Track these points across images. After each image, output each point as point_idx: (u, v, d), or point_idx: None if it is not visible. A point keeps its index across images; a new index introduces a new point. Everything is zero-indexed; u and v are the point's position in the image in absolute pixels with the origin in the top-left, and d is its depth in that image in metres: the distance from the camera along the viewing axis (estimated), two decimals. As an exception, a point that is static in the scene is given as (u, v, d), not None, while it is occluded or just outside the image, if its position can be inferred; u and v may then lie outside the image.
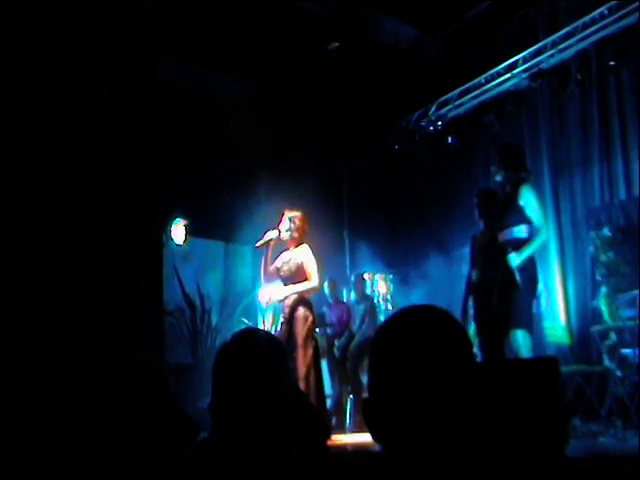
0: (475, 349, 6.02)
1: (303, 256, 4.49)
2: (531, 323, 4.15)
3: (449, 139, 6.99)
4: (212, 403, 1.46)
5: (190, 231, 7.14)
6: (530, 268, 4.13)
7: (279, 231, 4.50)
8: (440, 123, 7.11)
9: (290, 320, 4.44)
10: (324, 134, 7.12)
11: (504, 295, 4.09)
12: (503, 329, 4.08)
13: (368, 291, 7.71)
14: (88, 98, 4.84)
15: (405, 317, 0.97)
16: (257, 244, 4.52)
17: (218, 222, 7.13)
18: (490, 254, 4.27)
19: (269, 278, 4.62)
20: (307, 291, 4.50)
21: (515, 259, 4.04)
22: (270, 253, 4.54)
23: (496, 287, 4.13)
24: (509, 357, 4.05)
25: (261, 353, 1.46)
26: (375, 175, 7.81)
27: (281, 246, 4.67)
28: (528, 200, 4.19)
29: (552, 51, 5.88)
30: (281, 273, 4.55)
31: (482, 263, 4.54)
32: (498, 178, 4.34)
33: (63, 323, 4.54)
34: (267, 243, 4.52)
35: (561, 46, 5.78)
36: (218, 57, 5.98)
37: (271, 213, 5.63)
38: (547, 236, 4.31)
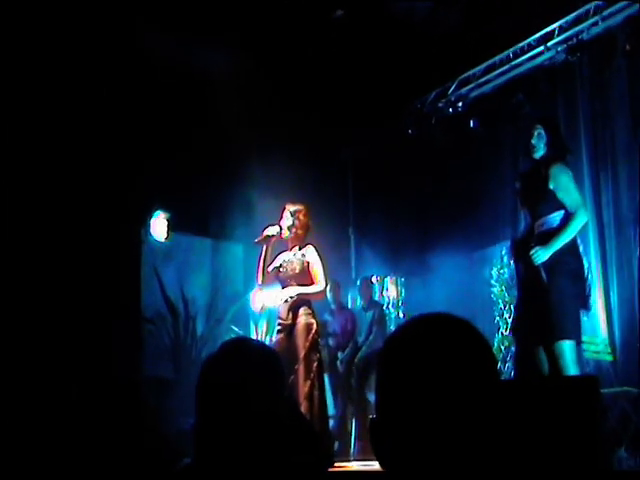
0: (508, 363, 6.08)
1: (310, 256, 4.54)
2: (577, 331, 3.94)
3: (471, 123, 7.00)
4: (196, 424, 1.46)
5: (172, 226, 7.18)
6: (572, 262, 3.95)
7: (280, 227, 4.54)
8: (460, 104, 7.12)
9: (290, 329, 4.47)
10: (325, 117, 7.13)
11: (533, 299, 3.98)
12: (537, 340, 3.98)
13: (376, 296, 7.81)
14: (58, 80, 4.91)
15: (419, 326, 0.97)
16: (256, 240, 4.55)
17: (205, 215, 7.20)
18: (527, 250, 4.08)
19: (266, 281, 4.65)
20: (313, 295, 4.54)
21: (541, 254, 3.89)
22: (269, 252, 4.58)
23: (534, 290, 4.00)
24: (546, 374, 3.93)
25: (253, 367, 1.47)
26: (385, 164, 7.84)
27: (279, 247, 4.72)
28: (558, 181, 4.04)
29: (595, 18, 5.71)
30: (282, 274, 4.57)
31: (524, 259, 4.35)
32: (539, 153, 4.13)
33: (25, 330, 4.55)
34: (267, 240, 4.55)
35: (606, 12, 5.61)
36: (201, 25, 5.95)
37: (266, 206, 5.69)
38: (584, 220, 4.05)
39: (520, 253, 4.17)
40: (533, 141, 4.10)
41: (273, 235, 4.54)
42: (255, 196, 7.06)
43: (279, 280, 4.63)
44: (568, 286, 3.91)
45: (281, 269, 4.59)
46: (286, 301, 4.45)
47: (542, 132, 4.09)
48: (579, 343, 4.02)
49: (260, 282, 4.64)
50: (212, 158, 6.92)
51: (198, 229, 7.55)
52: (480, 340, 0.96)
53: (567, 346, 3.82)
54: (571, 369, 3.78)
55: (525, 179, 4.37)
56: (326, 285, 4.66)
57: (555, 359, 3.83)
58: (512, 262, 4.71)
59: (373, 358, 6.53)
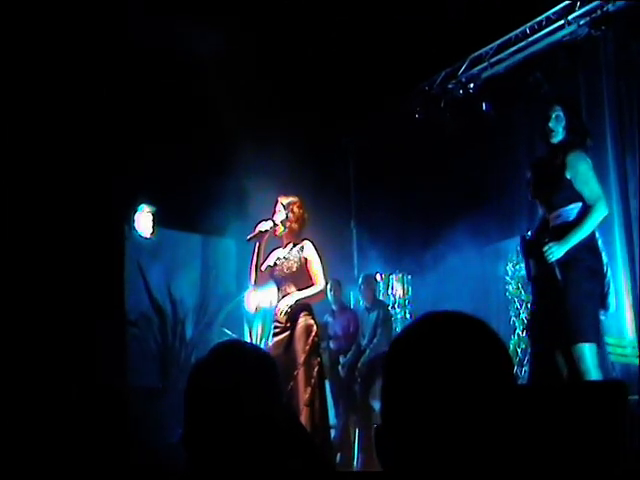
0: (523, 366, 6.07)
1: (307, 253, 4.57)
2: (597, 333, 3.91)
3: (483, 105, 6.97)
4: (185, 434, 1.46)
5: (158, 220, 7.21)
6: (589, 258, 3.90)
7: (274, 222, 4.56)
8: (472, 85, 7.09)
9: (288, 331, 4.49)
10: (325, 101, 7.16)
11: (548, 299, 3.96)
12: (553, 343, 3.96)
13: (380, 295, 7.83)
14: (36, 67, 4.92)
15: (427, 326, 0.97)
16: (248, 237, 4.55)
17: (194, 209, 7.20)
18: (540, 246, 4.05)
19: (260, 280, 4.67)
20: (314, 297, 4.56)
21: (556, 250, 3.86)
22: (263, 249, 4.60)
23: (549, 289, 3.97)
24: (565, 378, 3.91)
25: (247, 371, 1.47)
26: (389, 152, 7.84)
27: (273, 243, 4.76)
28: (576, 170, 3.98)
29: (623, -13, 5.64)
30: (277, 273, 4.60)
31: (536, 255, 4.37)
32: (557, 138, 4.07)
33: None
34: (260, 236, 4.57)
35: (634, -20, 5.55)
36: (190, 4, 6.09)
37: (261, 198, 5.69)
38: (603, 213, 3.97)
39: (531, 249, 4.17)
40: (550, 124, 4.05)
41: (266, 230, 4.55)
42: (249, 188, 7.08)
43: (274, 279, 4.65)
44: (585, 284, 3.87)
45: (276, 267, 4.61)
46: (286, 313, 4.45)
47: (561, 114, 4.05)
48: (600, 345, 3.98)
49: (253, 282, 4.67)
50: (202, 147, 6.98)
51: (186, 224, 7.56)
52: (494, 341, 0.96)
53: (586, 349, 3.79)
54: (592, 374, 3.75)
55: (539, 167, 4.32)
56: (325, 284, 4.70)
57: (574, 363, 3.80)
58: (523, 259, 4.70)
59: (378, 362, 6.54)
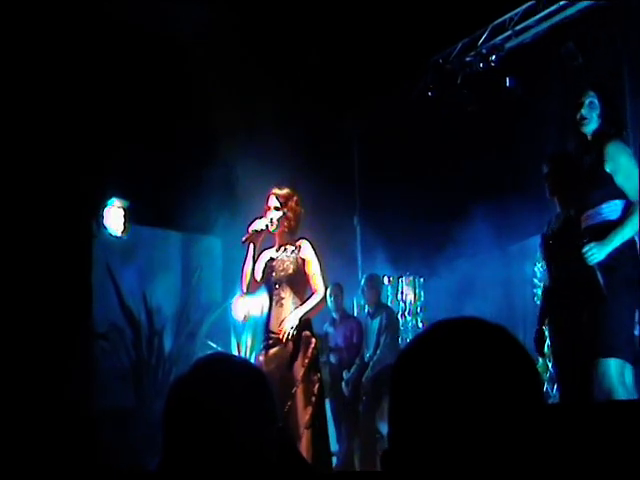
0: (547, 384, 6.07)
1: (305, 253, 4.62)
2: (631, 348, 3.95)
3: (507, 81, 6.96)
4: (163, 463, 1.46)
5: (132, 216, 7.15)
6: (626, 264, 3.93)
7: (271, 220, 4.61)
8: (494, 58, 7.07)
9: (283, 343, 4.51)
10: (323, 80, 7.15)
11: (587, 307, 4.00)
12: (589, 356, 3.96)
13: (389, 301, 7.82)
14: (6, 53, 4.99)
15: (440, 336, 0.97)
16: (243, 239, 4.60)
17: (173, 203, 7.19)
18: (566, 247, 4.16)
19: (254, 287, 4.73)
20: (317, 308, 4.61)
21: (597, 252, 3.89)
22: (258, 250, 4.65)
23: (579, 295, 4.02)
24: (598, 397, 3.92)
25: (235, 391, 1.48)
26: (398, 137, 7.83)
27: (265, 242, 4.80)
28: (617, 162, 3.98)
29: None
30: (273, 277, 4.64)
31: (556, 260, 4.48)
32: (591, 127, 4.10)
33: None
34: (255, 236, 4.61)
35: None
36: None
37: (249, 191, 5.71)
38: None
39: (555, 251, 4.18)
40: (583, 111, 4.08)
41: (262, 230, 4.59)
42: (237, 178, 7.11)
43: (266, 284, 4.69)
44: (621, 294, 3.89)
45: (269, 270, 4.64)
46: (291, 335, 4.46)
47: (595, 101, 4.07)
48: (634, 363, 3.98)
49: (246, 290, 4.73)
50: (183, 133, 7.01)
51: (164, 220, 7.55)
52: (520, 353, 0.96)
53: (612, 364, 3.82)
54: (619, 393, 3.77)
55: (562, 160, 4.38)
56: (325, 289, 4.73)
57: (596, 379, 3.85)
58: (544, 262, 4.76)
59: (384, 377, 6.56)
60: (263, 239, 4.67)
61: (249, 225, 4.62)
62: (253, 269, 4.64)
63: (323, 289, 4.64)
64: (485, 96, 7.15)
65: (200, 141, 7.14)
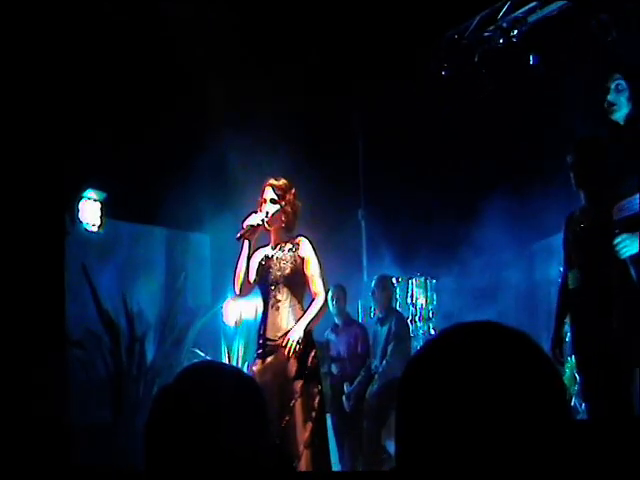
0: (574, 397, 6.09)
1: (304, 252, 4.66)
2: None
3: (530, 59, 6.92)
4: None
5: (110, 209, 7.17)
6: None
7: (267, 214, 4.64)
8: (516, 32, 7.02)
9: (279, 351, 4.54)
10: (323, 64, 7.20)
11: (618, 309, 3.98)
12: (622, 365, 3.97)
13: (397, 305, 7.75)
14: None
15: (454, 343, 0.98)
16: (238, 235, 4.63)
17: (156, 196, 7.20)
18: (596, 244, 4.15)
19: (248, 289, 4.78)
20: (320, 314, 4.65)
21: (630, 245, 3.87)
22: (252, 248, 4.69)
23: (609, 296, 3.98)
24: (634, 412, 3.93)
25: (226, 402, 1.49)
26: (407, 123, 7.84)
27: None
28: None
29: None
30: (270, 278, 4.67)
31: (584, 259, 4.48)
32: (620, 113, 4.07)
33: None
34: (250, 232, 4.64)
35: None
36: None
37: (244, 184, 5.74)
38: None
39: (580, 247, 4.23)
40: (610, 97, 4.09)
41: (258, 225, 4.62)
42: (230, 170, 7.13)
43: (260, 285, 4.73)
44: None
45: (268, 271, 4.67)
46: (296, 350, 4.48)
47: (622, 83, 4.07)
48: None
49: (239, 292, 4.78)
50: (168, 118, 7.00)
51: (146, 214, 7.55)
52: (544, 362, 0.96)
53: None
54: None
55: (590, 148, 4.43)
56: (326, 292, 4.78)
57: (628, 390, 3.87)
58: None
59: (391, 390, 6.57)
60: (258, 236, 4.69)
61: (243, 220, 4.62)
62: (247, 269, 4.67)
63: (324, 292, 4.66)
64: (505, 76, 7.13)
65: (187, 128, 7.16)
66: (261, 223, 4.60)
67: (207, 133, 7.09)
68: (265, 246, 4.77)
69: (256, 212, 4.64)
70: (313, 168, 6.65)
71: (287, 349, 4.47)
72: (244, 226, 4.60)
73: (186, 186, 6.97)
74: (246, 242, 4.63)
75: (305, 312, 4.62)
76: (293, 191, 4.71)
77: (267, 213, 4.61)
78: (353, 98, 8.31)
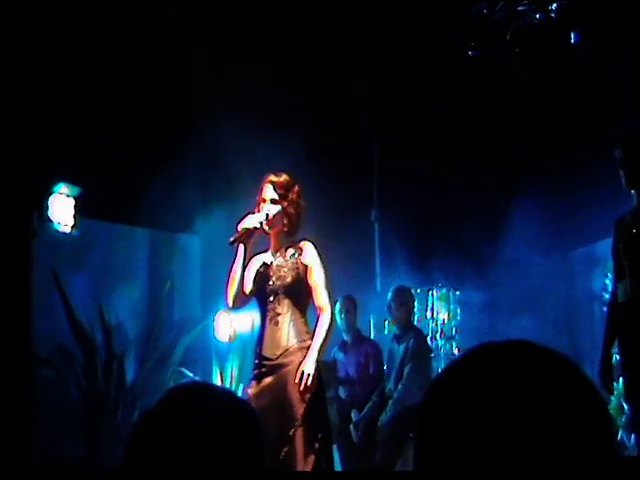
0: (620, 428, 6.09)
1: (308, 258, 4.68)
2: None
3: (571, 36, 6.90)
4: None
5: (84, 208, 7.07)
6: None
7: (266, 215, 4.66)
8: (554, 7, 6.98)
9: (278, 372, 4.56)
10: (333, 42, 7.29)
11: None
12: None
13: (415, 320, 7.62)
14: None
15: (480, 365, 1.00)
16: (231, 239, 4.62)
17: (138, 192, 7.18)
18: None
19: (243, 301, 4.79)
20: (329, 333, 4.64)
21: None
22: (249, 254, 4.70)
23: None
24: None
25: (217, 429, 1.49)
26: (427, 111, 7.90)
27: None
28: None
29: None
30: (269, 287, 4.69)
31: (637, 268, 4.50)
32: None
33: None
34: (246, 236, 4.63)
35: None
36: None
37: (240, 181, 5.84)
38: None
39: (633, 255, 4.28)
40: None
41: (256, 228, 4.61)
42: (223, 164, 7.16)
43: (258, 296, 4.74)
44: None
45: (267, 280, 4.67)
46: (304, 381, 4.47)
47: None
48: None
49: (231, 304, 4.78)
50: (152, 104, 7.00)
51: (127, 213, 7.51)
52: (587, 389, 0.97)
53: None
54: None
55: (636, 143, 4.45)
56: (333, 303, 4.83)
57: None
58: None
59: (407, 419, 6.53)
60: (256, 240, 4.68)
61: (238, 222, 4.60)
62: (242, 278, 4.66)
63: (329, 305, 4.66)
64: (541, 56, 7.13)
65: (174, 115, 7.16)
66: (259, 226, 4.59)
67: (198, 120, 7.12)
68: (264, 252, 4.77)
69: (254, 213, 4.62)
70: (320, 163, 6.74)
71: (302, 386, 4.45)
72: (239, 229, 4.58)
73: (173, 180, 6.96)
74: (241, 247, 4.61)
75: (312, 332, 4.60)
76: (296, 189, 4.70)
77: (267, 215, 4.61)
78: (365, 85, 8.31)
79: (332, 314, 4.69)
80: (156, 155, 7.12)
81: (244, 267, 4.65)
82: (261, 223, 4.59)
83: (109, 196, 7.16)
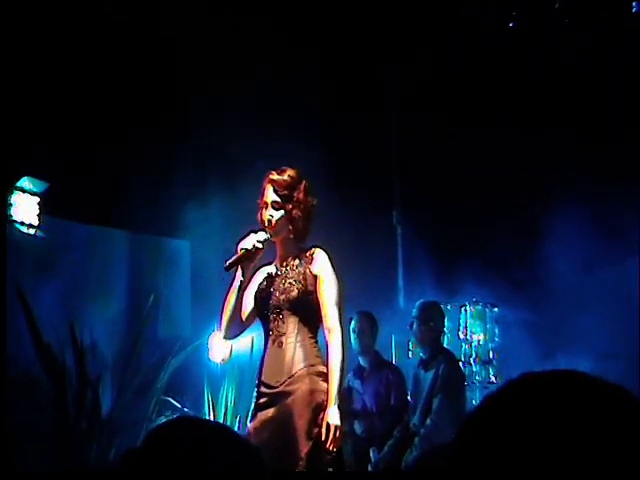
0: None
1: (319, 267, 4.67)
2: None
3: (633, 5, 6.87)
4: None
5: (51, 205, 7.05)
6: None
7: (270, 234, 4.67)
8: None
9: (282, 401, 4.55)
10: (349, 22, 7.51)
11: None
12: None
13: (445, 341, 7.66)
14: None
15: (525, 399, 1.04)
16: (227, 263, 4.63)
17: (116, 188, 7.25)
18: None
19: (236, 328, 4.81)
20: (344, 358, 4.63)
21: None
22: (248, 279, 4.72)
23: None
24: None
25: (211, 474, 1.53)
26: (457, 99, 8.01)
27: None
28: None
29: None
30: (272, 303, 4.70)
31: None
32: None
33: None
34: (247, 259, 4.64)
35: None
36: None
37: (239, 177, 5.98)
38: None
39: None
40: None
41: (258, 249, 4.61)
42: (220, 158, 7.26)
43: (261, 313, 4.74)
44: None
45: (269, 295, 4.68)
46: (330, 437, 4.47)
47: None
48: None
49: (225, 332, 4.81)
50: (134, 88, 7.08)
51: (103, 212, 7.50)
52: None
53: None
54: None
55: None
56: (343, 322, 4.74)
57: None
58: None
59: (439, 460, 6.31)
60: (257, 263, 4.70)
61: (238, 242, 4.61)
62: (238, 303, 4.69)
63: (339, 325, 4.61)
64: (596, 28, 7.10)
65: (160, 101, 7.21)
66: (261, 247, 4.58)
67: (186, 114, 7.23)
68: (269, 264, 4.79)
69: (255, 232, 4.61)
70: (334, 163, 6.90)
71: (329, 443, 4.44)
72: (238, 250, 4.57)
73: (159, 175, 7.02)
74: (239, 270, 4.62)
75: (323, 356, 4.59)
76: (302, 186, 4.69)
77: (267, 235, 4.60)
78: (386, 75, 8.52)
79: (343, 337, 4.64)
80: (140, 146, 7.14)
81: (241, 292, 4.68)
82: (264, 242, 4.59)
83: (81, 192, 7.15)
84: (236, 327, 4.77)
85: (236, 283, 4.67)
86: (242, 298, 4.73)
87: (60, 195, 7.09)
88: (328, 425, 4.43)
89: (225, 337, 4.91)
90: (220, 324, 4.78)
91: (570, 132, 7.39)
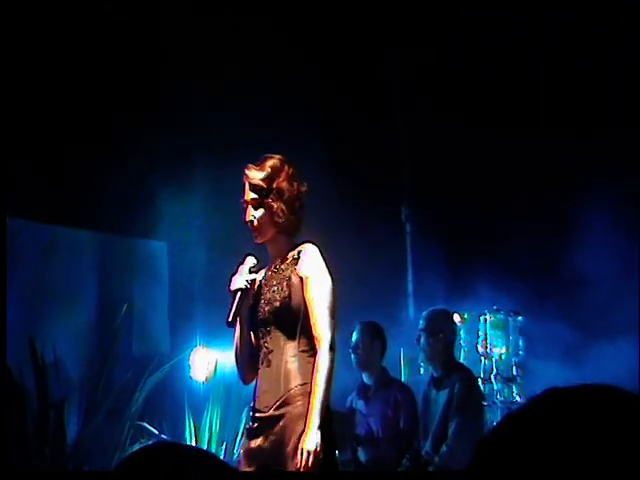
0: None
1: (305, 267, 4.68)
2: None
3: None
4: None
5: (10, 205, 7.01)
6: None
7: (249, 280, 4.77)
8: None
9: (275, 426, 4.57)
10: (363, 32, 7.85)
11: None
12: None
13: (462, 355, 7.82)
14: None
15: (551, 417, 1.05)
16: (229, 318, 4.67)
17: (84, 186, 7.34)
18: None
19: (253, 375, 4.83)
20: (331, 375, 4.58)
21: None
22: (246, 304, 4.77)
23: None
24: None
25: None
26: (468, 91, 8.14)
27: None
28: None
29: None
30: (256, 315, 4.75)
31: None
32: None
33: None
34: (241, 303, 4.69)
35: None
36: None
37: (220, 173, 6.18)
38: None
39: None
40: None
41: (254, 280, 4.72)
42: (203, 149, 7.38)
43: (252, 330, 4.79)
44: None
45: (257, 306, 4.73)
46: (303, 463, 4.44)
47: None
48: None
49: (244, 381, 4.89)
50: (103, 74, 7.23)
51: (67, 210, 7.51)
52: None
53: None
54: None
55: None
56: (334, 332, 4.69)
57: None
58: None
59: None
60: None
61: (228, 285, 4.69)
62: (245, 350, 4.76)
63: (329, 334, 4.57)
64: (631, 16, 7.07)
65: (134, 88, 7.31)
66: (256, 275, 4.70)
67: (163, 102, 7.33)
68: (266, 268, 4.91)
69: (242, 262, 4.72)
70: (336, 153, 7.01)
71: (301, 466, 4.39)
72: (231, 291, 4.65)
73: (133, 168, 6.97)
74: (236, 301, 4.66)
75: (311, 382, 4.54)
76: (284, 174, 4.68)
77: (255, 260, 4.71)
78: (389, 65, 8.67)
79: (333, 347, 4.57)
80: (108, 134, 7.20)
81: (241, 339, 4.75)
82: (256, 269, 4.67)
83: (42, 188, 7.14)
84: (251, 374, 4.81)
85: (238, 334, 4.76)
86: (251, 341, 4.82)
87: (16, 191, 7.03)
88: (302, 451, 4.40)
89: (245, 384, 4.96)
90: (241, 375, 4.87)
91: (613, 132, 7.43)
